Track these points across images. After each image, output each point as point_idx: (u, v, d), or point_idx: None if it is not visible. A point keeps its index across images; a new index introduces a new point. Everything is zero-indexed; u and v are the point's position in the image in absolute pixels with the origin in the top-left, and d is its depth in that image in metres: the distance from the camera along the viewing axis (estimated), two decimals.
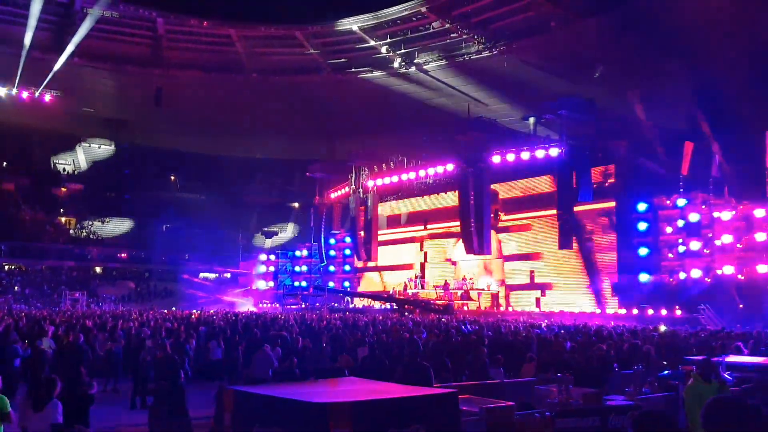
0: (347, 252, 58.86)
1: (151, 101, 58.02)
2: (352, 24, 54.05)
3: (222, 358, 18.99)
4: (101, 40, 57.23)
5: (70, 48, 52.75)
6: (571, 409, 7.64)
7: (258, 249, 65.26)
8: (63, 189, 69.31)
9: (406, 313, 38.82)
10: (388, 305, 45.85)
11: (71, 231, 66.10)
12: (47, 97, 57.46)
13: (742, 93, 37.39)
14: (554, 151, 39.18)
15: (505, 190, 46.19)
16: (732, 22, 37.94)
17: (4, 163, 68.51)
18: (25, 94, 56.84)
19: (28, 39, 51.12)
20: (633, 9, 41.20)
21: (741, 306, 31.52)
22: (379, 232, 53.78)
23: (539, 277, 43.52)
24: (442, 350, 15.07)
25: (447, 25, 50.98)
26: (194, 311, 39.47)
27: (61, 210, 67.53)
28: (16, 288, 56.18)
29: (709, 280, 34.26)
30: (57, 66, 53.74)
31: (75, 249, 63.39)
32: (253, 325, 23.81)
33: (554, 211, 39.81)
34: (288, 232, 72.30)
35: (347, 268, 58.76)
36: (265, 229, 69.15)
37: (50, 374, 9.11)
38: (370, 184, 52.14)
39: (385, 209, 56.17)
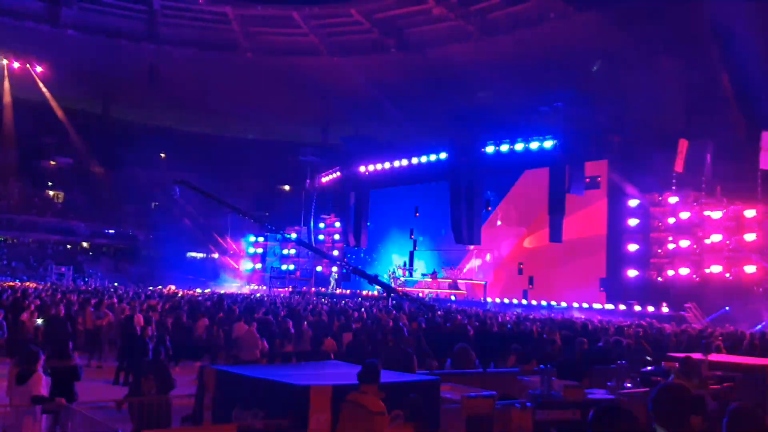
0: (336, 237, 58.73)
1: (145, 77, 57.49)
2: (350, 6, 53.68)
3: (205, 337, 18.90)
4: (95, 12, 56.62)
5: None
6: (552, 401, 7.60)
7: (246, 230, 64.85)
8: (51, 162, 68.71)
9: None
10: (376, 292, 45.68)
11: (59, 205, 65.68)
12: (38, 69, 56.88)
13: (738, 92, 37.31)
14: (549, 144, 39.06)
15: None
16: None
17: None
18: (16, 65, 56.27)
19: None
20: (632, 3, 41.03)
21: (727, 308, 31.52)
22: None
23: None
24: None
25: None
26: (179, 289, 39.31)
27: (49, 183, 66.98)
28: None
29: (697, 279, 34.35)
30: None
31: (62, 223, 62.94)
32: (238, 305, 23.69)
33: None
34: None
35: (336, 252, 58.62)
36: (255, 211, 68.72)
37: (33, 347, 9.01)
38: (362, 169, 51.90)
39: None
